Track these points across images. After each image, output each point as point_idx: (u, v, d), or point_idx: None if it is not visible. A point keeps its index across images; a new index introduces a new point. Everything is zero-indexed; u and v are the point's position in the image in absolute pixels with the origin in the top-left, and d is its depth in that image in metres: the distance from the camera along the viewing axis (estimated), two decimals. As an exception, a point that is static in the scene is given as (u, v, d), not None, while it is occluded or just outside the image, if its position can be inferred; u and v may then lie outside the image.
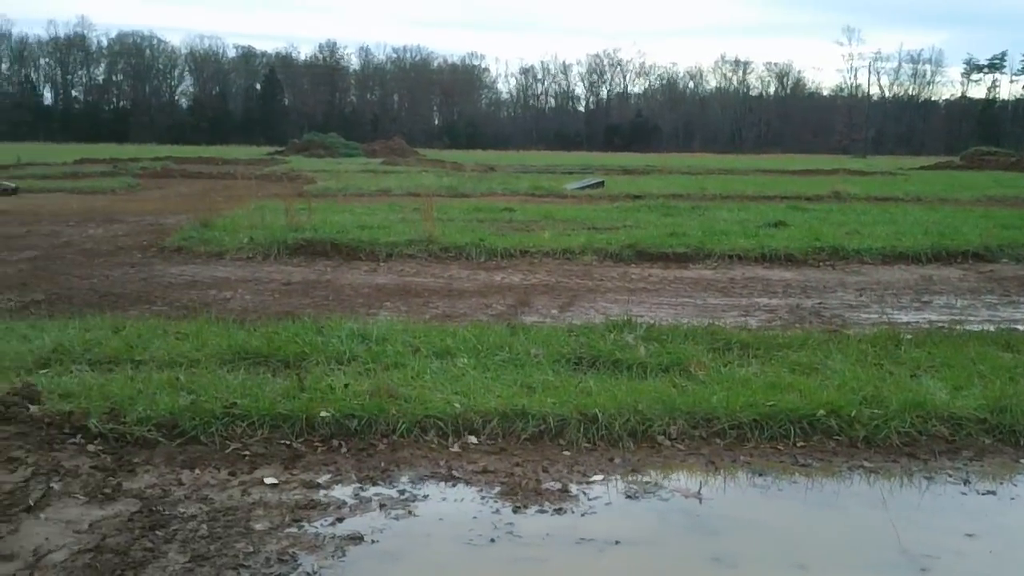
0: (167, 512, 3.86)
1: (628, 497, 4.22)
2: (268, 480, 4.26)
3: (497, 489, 4.22)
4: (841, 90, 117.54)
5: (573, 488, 4.26)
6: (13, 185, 22.07)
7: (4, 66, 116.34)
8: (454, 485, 4.29)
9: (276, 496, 4.08)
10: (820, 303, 9.03)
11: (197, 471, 4.35)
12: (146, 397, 4.93)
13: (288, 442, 4.69)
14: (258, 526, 3.76)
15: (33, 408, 4.70)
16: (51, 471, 4.14)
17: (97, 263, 10.85)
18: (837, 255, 12.00)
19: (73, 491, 4.00)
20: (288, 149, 61.13)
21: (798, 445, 4.87)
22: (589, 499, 4.15)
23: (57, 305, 8.18)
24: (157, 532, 3.67)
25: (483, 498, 4.14)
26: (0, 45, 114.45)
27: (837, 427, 4.96)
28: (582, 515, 3.99)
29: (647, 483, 4.38)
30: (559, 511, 4.01)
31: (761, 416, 4.99)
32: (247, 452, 4.56)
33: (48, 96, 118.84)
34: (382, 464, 4.50)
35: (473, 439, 4.82)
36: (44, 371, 5.57)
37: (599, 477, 4.41)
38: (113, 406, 4.80)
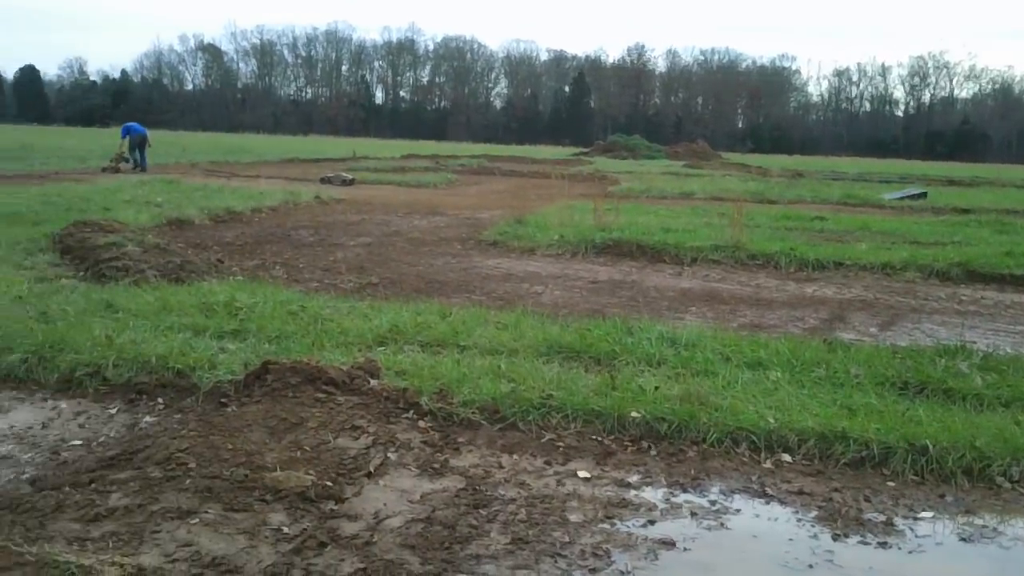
0: (489, 493, 4.07)
1: (962, 540, 3.87)
2: (581, 473, 4.36)
3: (814, 513, 4.04)
4: None
5: (899, 522, 3.98)
6: (350, 177, 24.41)
7: (344, 68, 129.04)
8: (767, 503, 4.15)
9: (589, 490, 4.17)
10: None
11: (515, 456, 4.55)
12: (471, 381, 5.23)
13: (599, 438, 4.78)
14: (572, 517, 3.86)
15: (374, 382, 5.15)
16: (388, 442, 4.51)
17: (422, 252, 11.71)
18: None
19: (407, 462, 4.33)
20: (593, 150, 62.62)
21: None
22: (917, 536, 3.86)
23: (389, 288, 8.91)
24: (480, 511, 3.88)
25: (799, 520, 3.97)
26: (342, 49, 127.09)
27: None
28: (909, 553, 3.71)
29: (984, 527, 3.99)
30: (883, 545, 3.76)
31: None
32: (561, 443, 4.71)
33: (379, 96, 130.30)
34: (692, 471, 4.46)
35: (787, 457, 4.64)
36: (381, 348, 6.08)
37: (928, 514, 4.08)
38: (442, 387, 5.14)
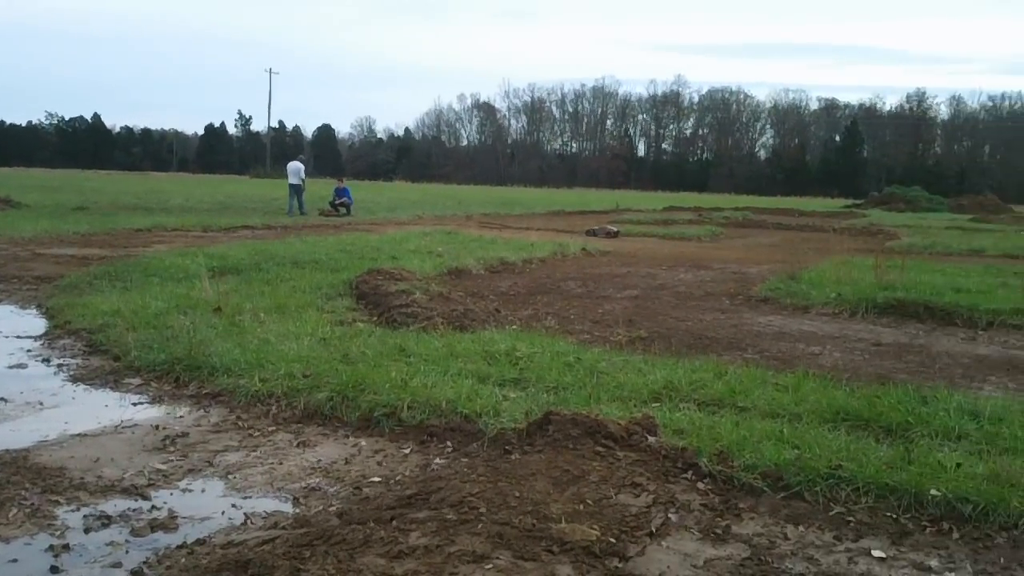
0: (776, 565, 3.91)
1: None
2: (875, 552, 4.09)
3: None
4: None
5: None
6: (615, 229, 24.77)
7: (609, 122, 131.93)
8: (1098, 605, 3.70)
9: (885, 571, 3.91)
10: None
11: (801, 528, 4.35)
12: (751, 444, 5.08)
13: (894, 516, 4.47)
14: (869, 600, 3.63)
15: (651, 439, 5.15)
16: (668, 502, 4.47)
17: (690, 306, 11.60)
18: None
19: (688, 525, 4.27)
20: (867, 202, 59.53)
21: None
22: None
23: (658, 342, 8.88)
24: (766, 583, 3.75)
25: None
26: (607, 103, 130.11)
27: None
28: None
29: None
30: None
31: None
32: (851, 519, 4.45)
33: (641, 148, 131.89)
34: (1002, 560, 4.06)
35: (1123, 554, 4.11)
36: (656, 404, 6.06)
37: None
38: (721, 448, 5.04)
